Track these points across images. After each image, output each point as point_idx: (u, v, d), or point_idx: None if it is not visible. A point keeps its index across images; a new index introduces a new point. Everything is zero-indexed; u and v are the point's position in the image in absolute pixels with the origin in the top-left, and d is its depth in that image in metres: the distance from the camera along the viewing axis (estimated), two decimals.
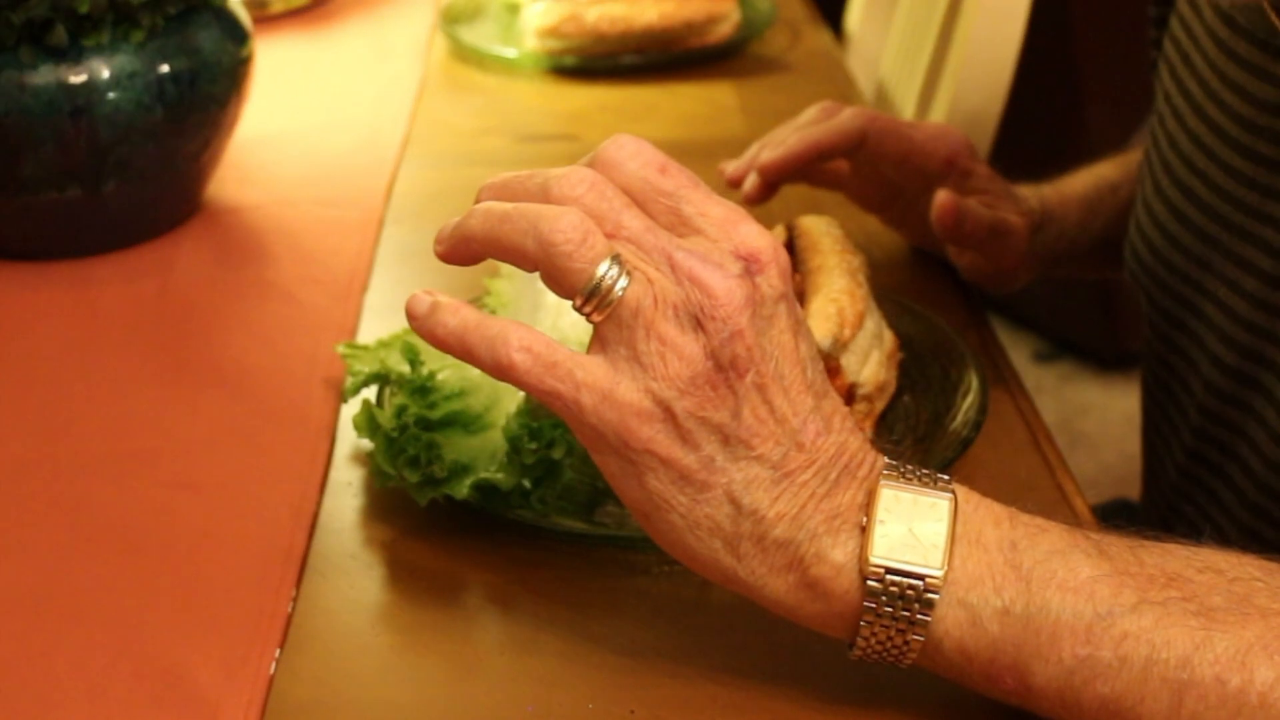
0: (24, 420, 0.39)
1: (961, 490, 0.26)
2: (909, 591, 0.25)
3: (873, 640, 0.25)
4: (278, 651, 0.30)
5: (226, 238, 0.49)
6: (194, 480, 0.36)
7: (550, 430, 0.33)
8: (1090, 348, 1.17)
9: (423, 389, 0.34)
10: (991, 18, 0.57)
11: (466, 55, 0.66)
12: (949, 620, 0.25)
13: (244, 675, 0.29)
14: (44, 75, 0.43)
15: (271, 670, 0.29)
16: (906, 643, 0.25)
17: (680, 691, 0.29)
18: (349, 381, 0.37)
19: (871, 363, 0.35)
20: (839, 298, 0.35)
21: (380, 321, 0.43)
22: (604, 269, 0.24)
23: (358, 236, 0.48)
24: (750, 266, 0.25)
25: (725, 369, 0.25)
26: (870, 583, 0.25)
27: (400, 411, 0.33)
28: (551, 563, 0.32)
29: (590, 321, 0.25)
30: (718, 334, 0.24)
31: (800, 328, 0.26)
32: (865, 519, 0.25)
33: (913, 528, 0.25)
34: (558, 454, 0.32)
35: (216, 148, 0.49)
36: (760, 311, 0.25)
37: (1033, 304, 1.15)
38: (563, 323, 0.38)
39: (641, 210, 0.25)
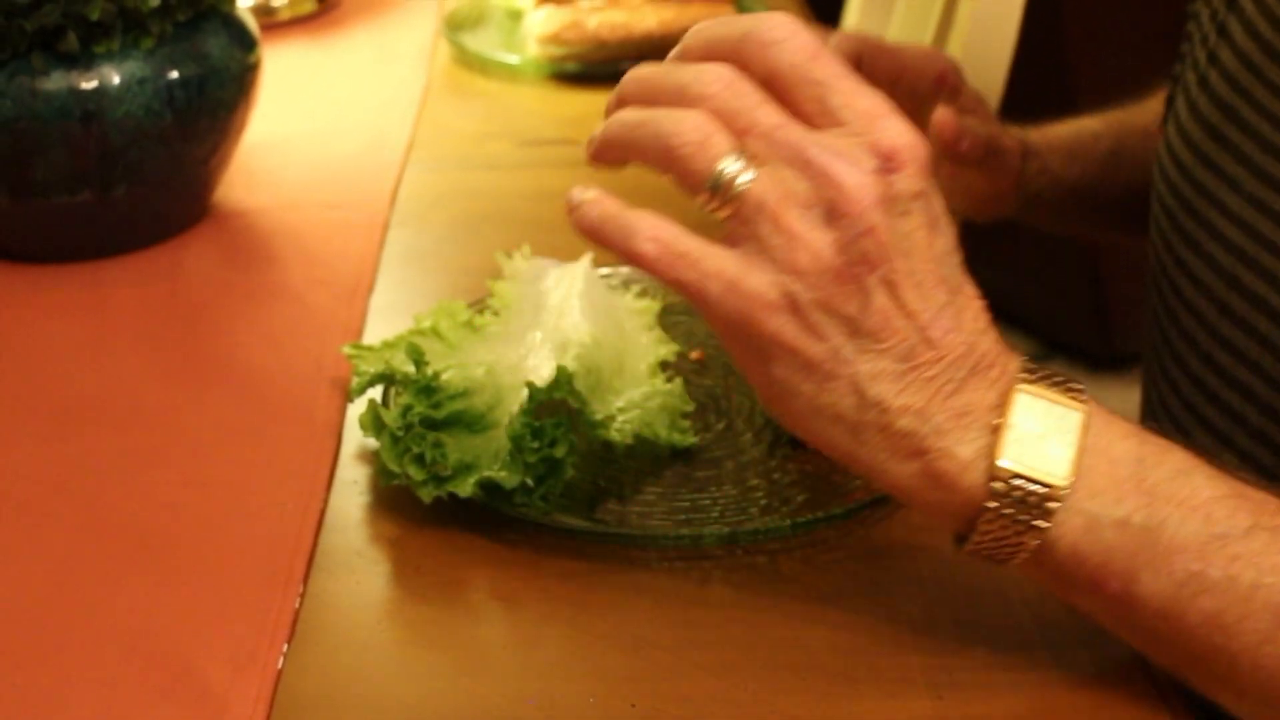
0: (35, 419, 0.39)
1: (1092, 403, 0.26)
2: (1032, 497, 0.25)
3: (987, 538, 0.26)
4: (285, 646, 0.30)
5: (234, 240, 0.49)
6: (202, 478, 0.36)
7: (553, 429, 0.33)
8: (1083, 349, 1.17)
9: (427, 389, 0.35)
10: (986, 21, 0.58)
11: (470, 61, 0.67)
12: (1066, 525, 0.25)
13: (252, 670, 0.29)
14: (55, 81, 0.44)
15: (279, 665, 0.30)
16: (1020, 543, 0.26)
17: (681, 686, 0.29)
18: (355, 381, 0.37)
19: None
20: None
21: (386, 322, 0.43)
22: (724, 165, 0.25)
23: (363, 239, 0.49)
24: (887, 163, 0.25)
25: (855, 264, 0.25)
26: (995, 484, 0.25)
27: (405, 411, 0.34)
28: (554, 559, 0.33)
29: (719, 218, 0.25)
30: (848, 230, 0.24)
31: (937, 224, 0.26)
32: (997, 420, 0.25)
33: (1043, 435, 0.25)
34: (560, 453, 0.33)
35: (225, 152, 0.49)
36: (894, 208, 0.25)
37: (1025, 305, 1.16)
38: (564, 323, 0.38)
39: (787, 96, 0.25)
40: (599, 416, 0.35)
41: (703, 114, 0.25)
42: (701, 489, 0.35)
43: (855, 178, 0.24)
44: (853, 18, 0.80)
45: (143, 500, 0.35)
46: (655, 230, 0.26)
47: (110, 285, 0.46)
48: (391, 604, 0.32)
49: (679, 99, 0.25)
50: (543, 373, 0.36)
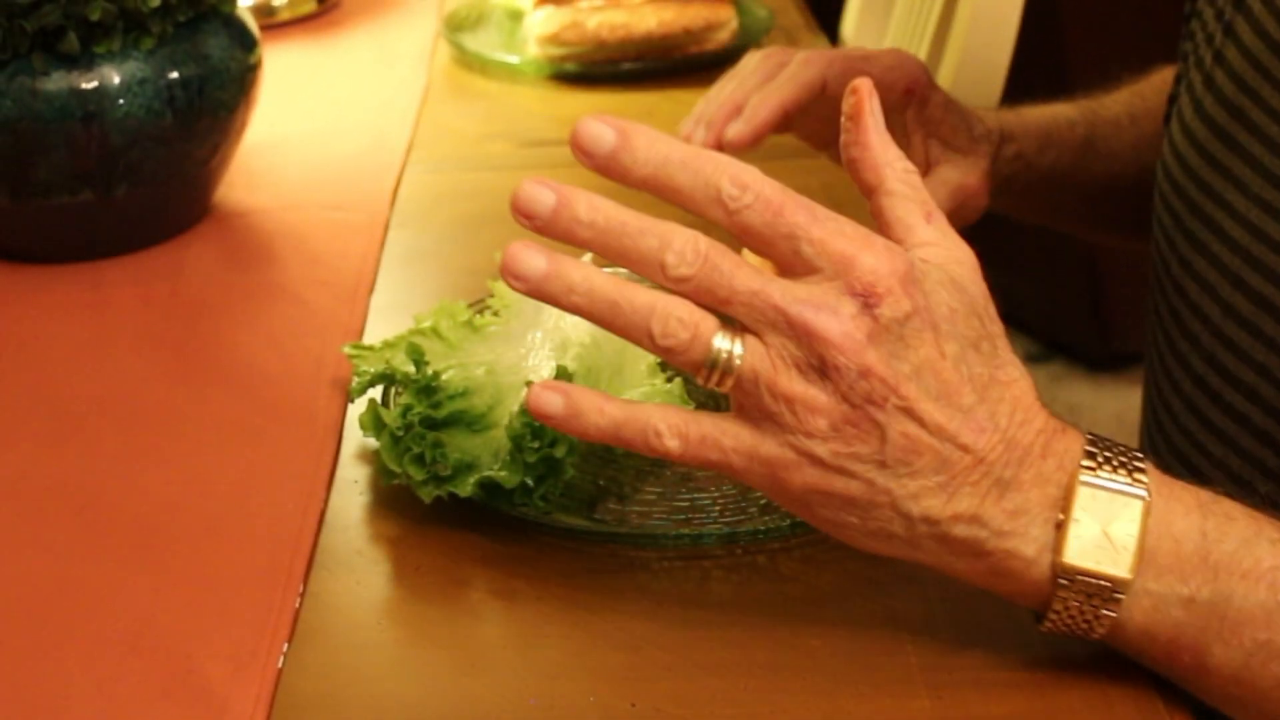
0: (37, 419, 0.39)
1: (1154, 478, 0.27)
2: (1098, 589, 0.26)
3: (1059, 623, 0.27)
4: (285, 645, 0.30)
5: (235, 241, 0.49)
6: (203, 477, 0.36)
7: (552, 430, 0.33)
8: (1081, 349, 1.17)
9: (427, 389, 0.35)
10: (985, 24, 0.58)
11: (470, 62, 0.67)
12: (1134, 607, 0.26)
13: (252, 669, 0.29)
14: (56, 82, 0.44)
15: (279, 664, 0.30)
16: (1090, 625, 0.27)
17: (680, 685, 0.29)
18: (355, 381, 0.37)
19: None
20: None
21: (386, 322, 0.43)
22: (717, 346, 0.25)
23: (364, 239, 0.49)
24: (868, 300, 0.25)
25: (861, 406, 0.25)
26: (1061, 580, 0.26)
27: (405, 411, 0.34)
28: (554, 559, 0.33)
29: (721, 391, 0.26)
30: (844, 378, 0.25)
31: (943, 327, 0.26)
32: (1060, 516, 0.26)
33: (1106, 529, 0.26)
34: (560, 452, 0.33)
35: (225, 152, 0.49)
36: (886, 339, 0.25)
37: (1023, 306, 1.16)
38: (564, 323, 0.38)
39: (763, 251, 0.26)
40: None
41: (685, 308, 0.25)
42: (701, 489, 0.35)
43: (838, 326, 0.25)
44: (852, 18, 0.80)
45: (143, 499, 0.35)
46: (674, 425, 0.26)
47: (111, 285, 0.46)
48: (392, 603, 0.32)
49: (653, 272, 0.26)
50: (543, 372, 0.36)
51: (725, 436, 0.26)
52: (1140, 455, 0.27)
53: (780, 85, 0.41)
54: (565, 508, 0.34)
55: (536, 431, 0.33)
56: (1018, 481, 0.26)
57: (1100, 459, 0.27)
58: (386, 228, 0.50)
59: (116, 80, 0.44)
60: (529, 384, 0.34)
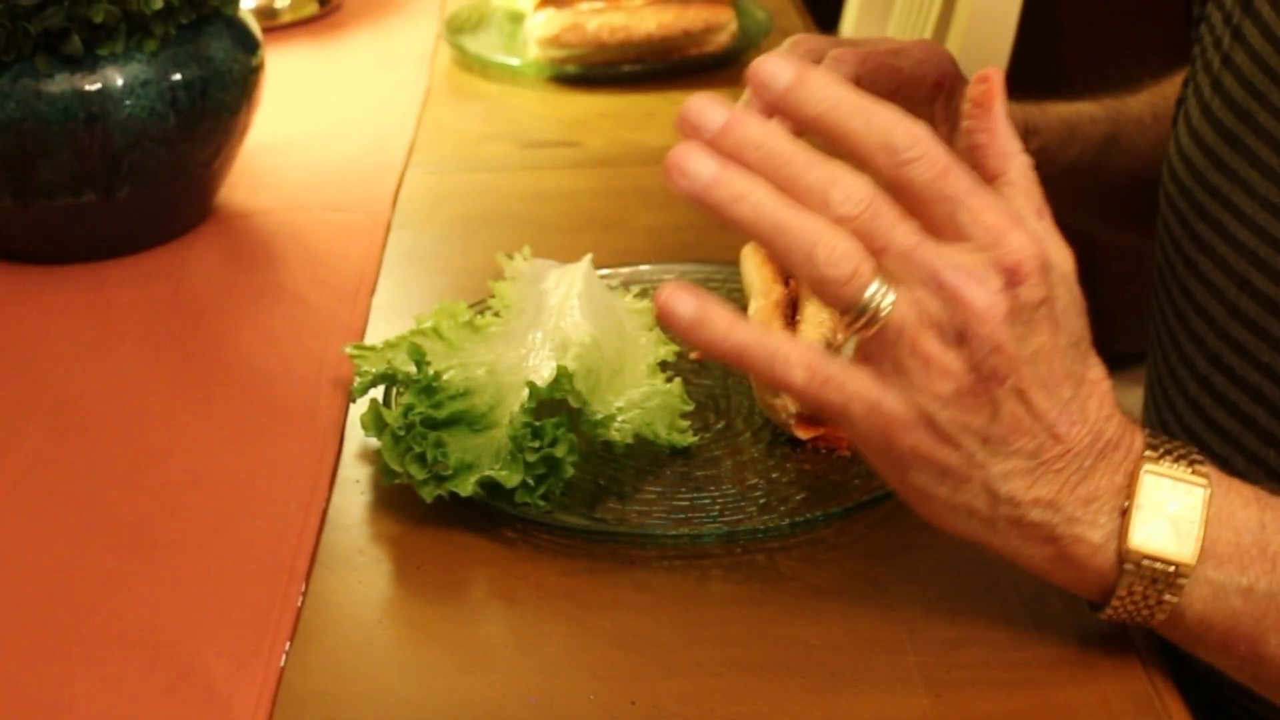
0: (40, 419, 0.39)
1: (1214, 473, 0.28)
2: (1161, 574, 0.27)
3: (1120, 609, 0.28)
4: (288, 644, 0.30)
5: (237, 242, 0.50)
6: (206, 477, 0.36)
7: (553, 429, 0.33)
8: None
9: (428, 389, 0.35)
10: (983, 24, 0.58)
11: (471, 64, 0.67)
12: (1194, 595, 0.27)
13: (255, 667, 0.30)
14: (59, 83, 0.44)
15: (281, 662, 0.30)
16: (1151, 612, 0.27)
17: (679, 683, 0.29)
18: (357, 381, 0.38)
19: None
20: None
21: (387, 323, 0.43)
22: (870, 292, 0.26)
23: (365, 240, 0.49)
24: (1012, 278, 0.26)
25: (986, 379, 0.26)
26: (1126, 565, 0.27)
27: (407, 410, 0.34)
28: (554, 558, 0.33)
29: (858, 336, 0.26)
30: (979, 349, 0.26)
31: (1060, 320, 0.26)
32: (1126, 503, 0.27)
33: (1169, 515, 0.26)
34: (560, 452, 0.33)
35: (228, 154, 0.49)
36: (1019, 319, 0.26)
37: None
38: (564, 324, 0.38)
39: (918, 208, 0.26)
40: (599, 416, 0.35)
41: (852, 243, 0.25)
42: (701, 488, 0.35)
43: (984, 298, 0.25)
44: (851, 19, 0.80)
45: (146, 499, 0.36)
46: (804, 358, 0.26)
47: (114, 286, 0.46)
48: (393, 602, 0.32)
49: (821, 206, 0.25)
50: (543, 372, 0.36)
51: (851, 382, 0.26)
52: (1199, 453, 0.27)
53: None
54: (565, 507, 0.34)
55: (537, 431, 0.33)
56: (1093, 470, 0.27)
57: (1161, 451, 0.27)
58: (388, 229, 0.51)
59: (119, 82, 0.45)
60: (530, 384, 0.34)
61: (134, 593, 0.32)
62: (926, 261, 0.26)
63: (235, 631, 0.31)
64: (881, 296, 0.26)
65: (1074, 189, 0.45)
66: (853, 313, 0.26)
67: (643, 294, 0.43)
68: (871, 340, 0.26)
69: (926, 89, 0.40)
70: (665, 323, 0.26)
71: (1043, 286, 0.26)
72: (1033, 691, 0.29)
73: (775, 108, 0.26)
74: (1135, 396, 0.47)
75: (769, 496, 0.35)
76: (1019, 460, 0.26)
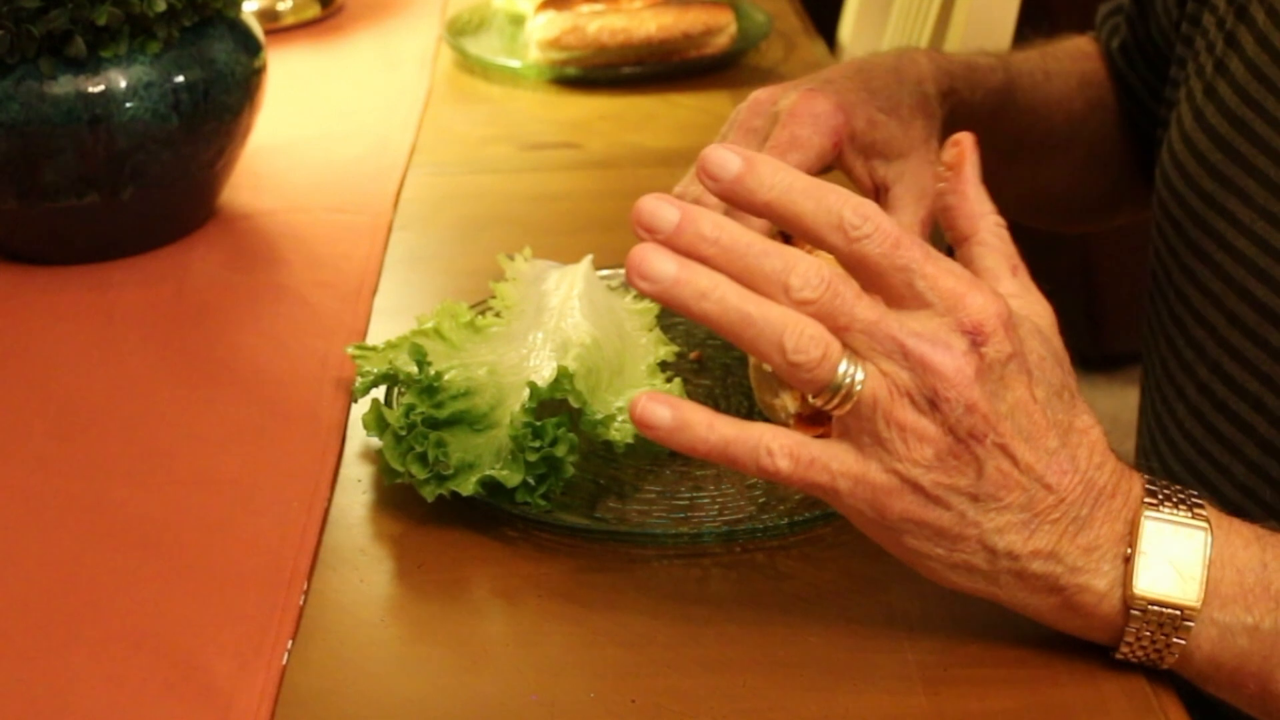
0: (44, 419, 0.40)
1: (1213, 513, 0.28)
2: (1167, 618, 0.27)
3: (1130, 653, 0.28)
4: (290, 642, 0.31)
5: (240, 242, 0.50)
6: (209, 477, 0.37)
7: (553, 429, 0.34)
8: (1075, 350, 1.17)
9: (430, 389, 0.35)
10: (981, 28, 0.58)
11: (472, 66, 0.67)
12: (1202, 636, 0.27)
13: (257, 665, 0.30)
14: (63, 85, 0.44)
15: (284, 660, 0.30)
16: (1161, 655, 0.28)
17: (679, 681, 0.29)
18: (359, 382, 0.38)
19: None
20: None
21: (389, 323, 0.43)
22: (841, 370, 0.26)
23: (367, 241, 0.49)
24: (976, 338, 0.26)
25: (964, 440, 0.26)
26: (1133, 611, 0.27)
27: (408, 410, 0.34)
28: (554, 557, 0.33)
29: (833, 414, 0.27)
30: (953, 411, 0.26)
31: (1034, 373, 0.27)
32: (1128, 550, 0.27)
33: (1172, 560, 0.27)
34: (560, 451, 0.33)
35: (230, 155, 0.50)
36: (990, 377, 0.26)
37: None
38: (565, 324, 0.39)
39: (874, 281, 0.27)
40: (599, 416, 0.35)
41: (816, 327, 0.26)
42: (700, 487, 0.35)
43: (951, 362, 0.26)
44: (849, 21, 0.80)
45: (149, 498, 0.36)
46: (783, 446, 0.27)
47: (117, 287, 0.47)
48: (394, 601, 0.33)
49: (781, 294, 0.26)
50: (544, 373, 0.36)
51: (834, 461, 0.27)
52: (1197, 493, 0.28)
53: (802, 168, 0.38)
54: (566, 506, 0.34)
55: (538, 431, 0.33)
56: (1091, 519, 0.27)
57: (1160, 496, 0.28)
58: (389, 230, 0.51)
59: (123, 84, 0.45)
60: (530, 384, 0.34)
61: (137, 591, 0.32)
62: (890, 333, 0.26)
63: (238, 630, 0.31)
64: (852, 374, 0.26)
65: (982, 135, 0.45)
66: (826, 393, 0.26)
67: (642, 295, 0.43)
68: (849, 416, 0.27)
69: (829, 152, 0.39)
70: (645, 434, 0.27)
71: (1008, 342, 0.27)
72: (1030, 690, 0.29)
73: (726, 196, 0.27)
74: (1132, 397, 0.47)
75: (768, 496, 0.35)
76: (1012, 514, 0.27)
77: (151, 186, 0.47)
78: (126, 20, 0.45)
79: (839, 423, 0.27)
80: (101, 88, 0.45)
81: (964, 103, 0.42)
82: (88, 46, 0.44)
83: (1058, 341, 0.29)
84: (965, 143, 0.30)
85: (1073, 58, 0.48)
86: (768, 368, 0.29)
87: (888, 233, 0.26)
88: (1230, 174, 0.36)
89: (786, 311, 0.26)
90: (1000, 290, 0.28)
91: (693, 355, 0.41)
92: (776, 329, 0.26)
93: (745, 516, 0.34)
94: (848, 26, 0.80)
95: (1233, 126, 0.37)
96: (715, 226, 0.26)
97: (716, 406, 0.39)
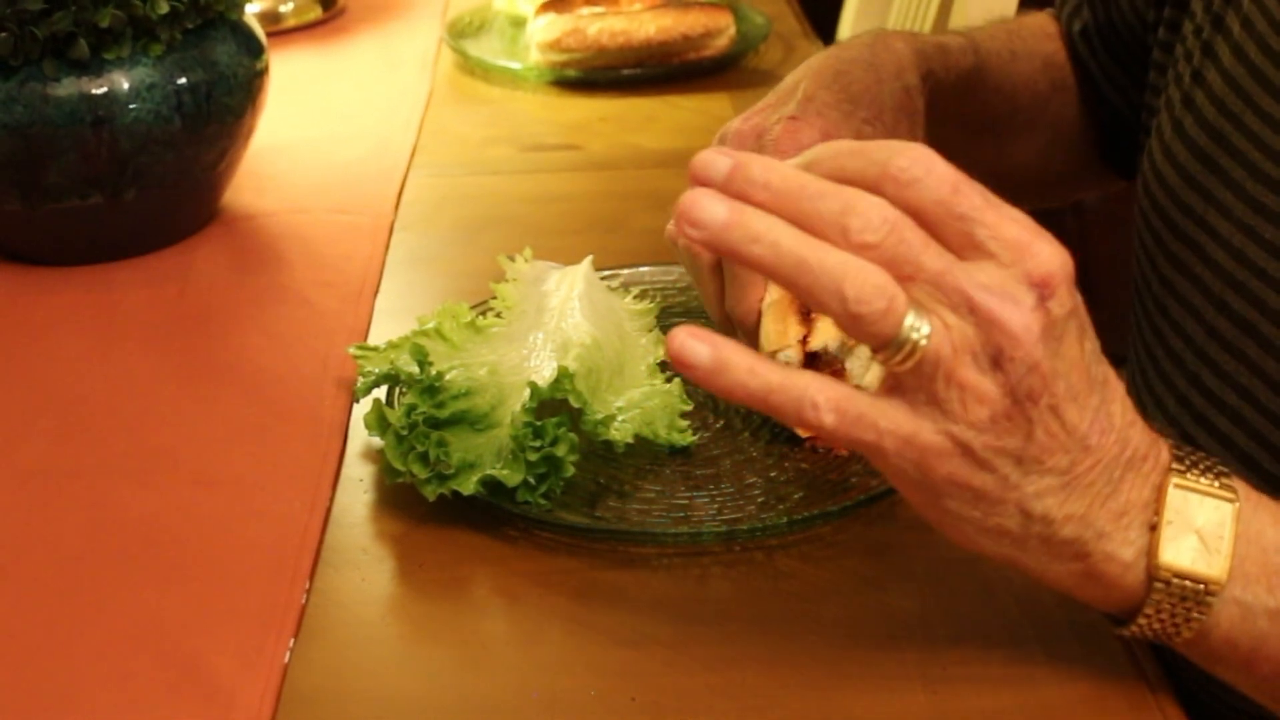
0: (47, 419, 0.40)
1: (1242, 487, 0.27)
2: (1190, 592, 0.26)
3: (1146, 627, 0.27)
4: (292, 641, 0.31)
5: (242, 243, 0.50)
6: (211, 477, 0.37)
7: (554, 428, 0.34)
8: None
9: (431, 389, 0.35)
10: (981, 17, 0.58)
11: (472, 68, 0.68)
12: (1222, 615, 0.26)
13: (259, 664, 0.30)
14: (66, 87, 0.44)
15: (286, 659, 0.30)
16: (1178, 629, 0.27)
17: (679, 680, 0.29)
18: (360, 382, 0.38)
19: (874, 368, 0.36)
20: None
21: (391, 324, 0.44)
22: (906, 324, 0.24)
23: (369, 242, 0.50)
24: (1044, 292, 0.25)
25: (1021, 401, 0.25)
26: (1156, 582, 0.26)
27: (410, 410, 0.34)
28: (555, 556, 0.33)
29: (892, 370, 0.25)
30: (1016, 371, 0.25)
31: (1085, 330, 0.26)
32: (1155, 518, 0.26)
33: (1199, 530, 0.26)
34: (561, 451, 0.33)
35: (233, 157, 0.50)
36: (1052, 335, 0.25)
37: None
38: (565, 325, 0.39)
39: (931, 231, 0.25)
40: (599, 416, 0.35)
41: (881, 275, 0.24)
42: (700, 487, 0.35)
43: (1020, 319, 0.24)
44: (848, 23, 0.80)
45: (152, 498, 0.36)
46: (830, 399, 0.25)
47: (120, 288, 0.47)
48: (396, 599, 0.33)
49: (840, 237, 0.24)
50: (544, 373, 0.36)
51: (883, 418, 0.25)
52: (1225, 466, 0.27)
53: None
54: (566, 505, 0.34)
55: (538, 430, 0.34)
56: (1124, 482, 0.26)
57: (1188, 462, 0.27)
58: (391, 231, 0.51)
59: (126, 86, 0.45)
60: (531, 384, 0.34)
61: (140, 590, 0.32)
62: (958, 285, 0.24)
63: (240, 628, 0.31)
64: (918, 328, 0.24)
65: (943, 115, 0.43)
66: (890, 348, 0.24)
67: (643, 295, 0.43)
68: (909, 373, 0.25)
69: None
70: (681, 372, 0.25)
71: (1070, 296, 0.25)
72: (1028, 687, 0.29)
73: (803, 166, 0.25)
74: None
75: (767, 495, 0.35)
76: (1052, 478, 0.25)
77: (154, 188, 0.47)
78: (129, 22, 0.45)
79: (891, 377, 0.25)
80: (104, 89, 0.45)
81: (940, 84, 0.42)
82: (91, 49, 0.45)
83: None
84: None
85: (1037, 38, 0.47)
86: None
87: (943, 176, 0.24)
88: (1209, 186, 0.36)
89: (848, 257, 0.24)
90: None
91: None
92: (836, 276, 0.24)
93: (744, 516, 0.34)
94: (846, 28, 0.81)
95: (1210, 138, 0.36)
96: (766, 169, 0.24)
97: (716, 406, 0.39)
